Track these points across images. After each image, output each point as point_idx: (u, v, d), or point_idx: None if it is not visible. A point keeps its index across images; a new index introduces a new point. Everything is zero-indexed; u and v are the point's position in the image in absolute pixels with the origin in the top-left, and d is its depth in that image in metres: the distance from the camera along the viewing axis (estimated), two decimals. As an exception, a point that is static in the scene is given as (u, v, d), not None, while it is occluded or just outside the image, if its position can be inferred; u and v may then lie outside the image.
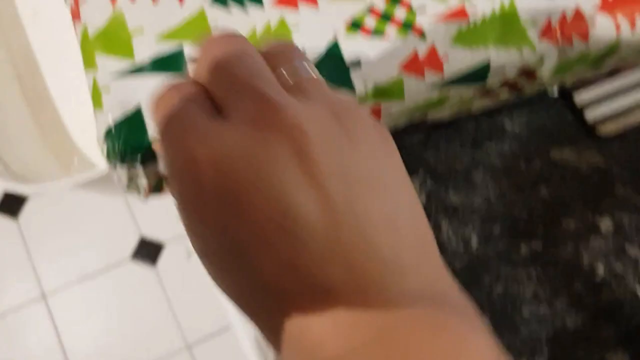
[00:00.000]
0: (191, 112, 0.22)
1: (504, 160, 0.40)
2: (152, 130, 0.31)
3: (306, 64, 0.24)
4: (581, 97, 0.42)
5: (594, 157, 0.41)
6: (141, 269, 1.23)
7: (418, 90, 0.34)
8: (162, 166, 0.33)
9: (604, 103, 0.43)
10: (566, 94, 0.43)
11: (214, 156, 0.20)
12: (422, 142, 0.40)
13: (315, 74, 0.24)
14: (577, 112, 0.42)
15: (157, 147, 0.30)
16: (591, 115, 0.42)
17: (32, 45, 0.66)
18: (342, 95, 0.23)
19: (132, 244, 1.25)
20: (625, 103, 0.43)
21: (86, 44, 0.33)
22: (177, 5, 0.34)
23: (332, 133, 0.21)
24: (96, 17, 0.33)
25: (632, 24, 0.36)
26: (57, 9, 0.69)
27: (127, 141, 0.31)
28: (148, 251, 1.24)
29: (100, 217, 1.25)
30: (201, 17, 0.34)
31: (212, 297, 1.07)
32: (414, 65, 0.34)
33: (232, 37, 0.24)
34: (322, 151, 0.21)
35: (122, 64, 0.32)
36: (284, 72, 0.24)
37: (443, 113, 0.38)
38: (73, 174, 0.56)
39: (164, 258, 1.23)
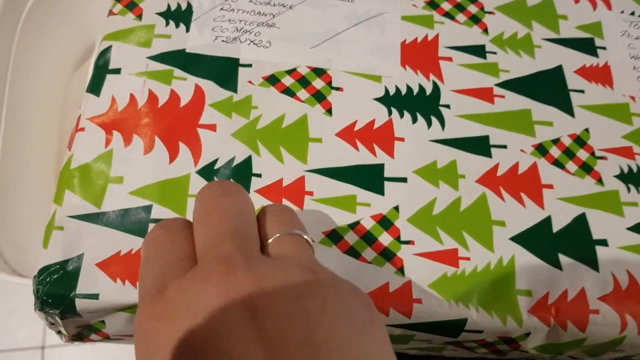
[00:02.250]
0: (168, 258, 0.23)
1: None
2: (84, 287, 0.29)
3: (301, 232, 0.24)
4: (578, 377, 0.37)
5: None
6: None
7: (378, 327, 0.31)
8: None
9: (603, 392, 0.37)
10: (562, 367, 0.38)
11: (172, 311, 0.20)
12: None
13: (305, 241, 0.24)
14: (570, 392, 0.37)
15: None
16: (585, 400, 0.37)
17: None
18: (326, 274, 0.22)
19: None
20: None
21: (64, 175, 0.32)
22: (167, 162, 0.33)
23: (291, 312, 0.20)
24: (84, 150, 0.33)
25: (641, 327, 0.32)
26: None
27: (52, 291, 0.29)
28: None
29: None
30: (184, 182, 0.32)
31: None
32: (379, 299, 0.31)
33: (231, 187, 0.25)
34: (275, 321, 0.20)
35: (86, 208, 0.31)
36: (277, 236, 0.24)
37: (407, 348, 0.35)
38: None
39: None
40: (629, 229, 0.34)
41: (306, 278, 0.21)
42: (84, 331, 0.33)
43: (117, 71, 0.35)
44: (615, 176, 0.36)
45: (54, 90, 0.66)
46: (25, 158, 0.56)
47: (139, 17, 0.37)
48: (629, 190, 0.35)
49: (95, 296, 0.29)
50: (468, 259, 0.32)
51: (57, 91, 0.67)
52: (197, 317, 0.20)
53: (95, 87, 0.35)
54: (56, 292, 0.29)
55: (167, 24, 0.37)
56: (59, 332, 0.33)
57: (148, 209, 0.32)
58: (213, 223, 0.23)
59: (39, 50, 0.55)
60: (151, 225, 0.31)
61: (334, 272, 0.23)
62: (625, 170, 0.36)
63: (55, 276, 0.30)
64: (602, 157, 0.36)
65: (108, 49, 0.36)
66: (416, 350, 0.35)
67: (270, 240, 0.24)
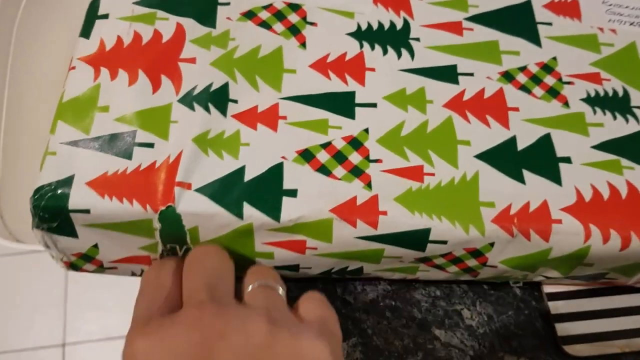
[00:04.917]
0: (156, 295, 0.30)
1: (448, 353, 0.36)
2: (77, 203, 0.32)
3: (276, 285, 0.31)
4: (557, 306, 0.38)
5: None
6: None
7: (346, 236, 0.33)
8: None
9: (581, 321, 0.38)
10: (541, 298, 0.39)
11: (147, 349, 0.26)
12: (365, 308, 0.38)
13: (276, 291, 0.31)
14: (549, 321, 0.38)
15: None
16: (564, 329, 0.38)
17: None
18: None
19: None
20: (605, 328, 0.38)
21: (58, 109, 0.35)
22: (150, 92, 0.35)
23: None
24: (75, 85, 0.35)
25: (605, 238, 0.33)
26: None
27: (47, 205, 0.31)
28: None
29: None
30: (166, 109, 0.35)
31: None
32: (347, 211, 0.32)
33: (213, 251, 0.32)
34: None
35: (76, 135, 0.34)
36: (252, 287, 0.30)
37: (383, 271, 0.36)
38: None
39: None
40: (594, 147, 0.35)
41: (266, 329, 0.27)
42: (78, 260, 0.35)
43: (105, 16, 0.38)
44: (582, 99, 0.37)
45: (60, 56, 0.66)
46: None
47: (127, -33, 0.40)
48: (594, 112, 0.36)
49: (87, 211, 0.32)
50: (433, 174, 0.34)
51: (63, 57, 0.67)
52: (168, 351, 0.26)
53: (85, 31, 0.38)
54: (51, 206, 0.32)
55: (152, -29, 0.39)
56: (55, 258, 0.35)
57: (133, 134, 0.34)
58: (194, 275, 0.30)
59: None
60: (136, 149, 0.33)
61: (297, 321, 0.29)
62: (592, 94, 0.37)
63: (50, 194, 0.32)
64: (569, 82, 0.37)
65: (98, -2, 0.39)
66: (390, 272, 0.36)
67: (247, 290, 0.30)
